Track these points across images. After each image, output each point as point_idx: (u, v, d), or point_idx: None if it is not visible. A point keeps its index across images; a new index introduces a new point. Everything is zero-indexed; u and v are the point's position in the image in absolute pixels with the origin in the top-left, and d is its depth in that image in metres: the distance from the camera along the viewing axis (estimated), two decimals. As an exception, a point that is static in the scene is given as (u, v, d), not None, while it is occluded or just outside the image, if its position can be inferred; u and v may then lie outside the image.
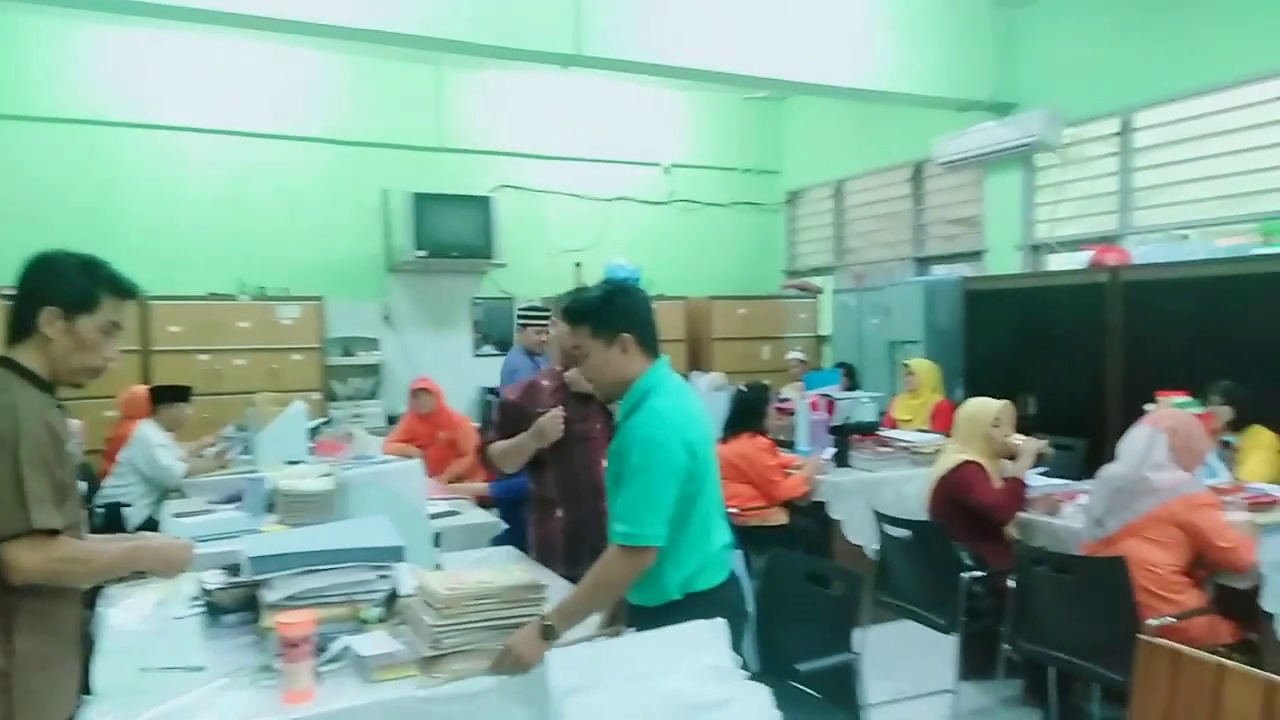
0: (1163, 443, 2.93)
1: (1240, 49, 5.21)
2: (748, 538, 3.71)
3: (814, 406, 4.91)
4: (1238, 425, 4.20)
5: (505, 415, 3.04)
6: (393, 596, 2.14)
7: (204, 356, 6.45)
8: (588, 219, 8.10)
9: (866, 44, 6.07)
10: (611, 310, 2.14)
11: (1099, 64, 5.99)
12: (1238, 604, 2.94)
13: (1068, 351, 5.51)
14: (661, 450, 1.99)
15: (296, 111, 7.15)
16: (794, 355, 7.23)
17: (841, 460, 4.64)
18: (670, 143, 8.46)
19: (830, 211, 8.60)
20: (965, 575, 3.30)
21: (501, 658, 1.87)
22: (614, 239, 7.99)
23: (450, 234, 7.19)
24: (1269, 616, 2.84)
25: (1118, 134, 6.02)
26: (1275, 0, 5.03)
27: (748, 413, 4.46)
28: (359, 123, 7.32)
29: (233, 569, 2.26)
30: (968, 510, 3.50)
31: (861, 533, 4.18)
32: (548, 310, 4.57)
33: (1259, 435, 4.17)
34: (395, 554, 2.18)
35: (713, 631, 1.26)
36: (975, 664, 3.62)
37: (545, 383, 3.01)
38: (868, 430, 4.95)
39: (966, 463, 3.51)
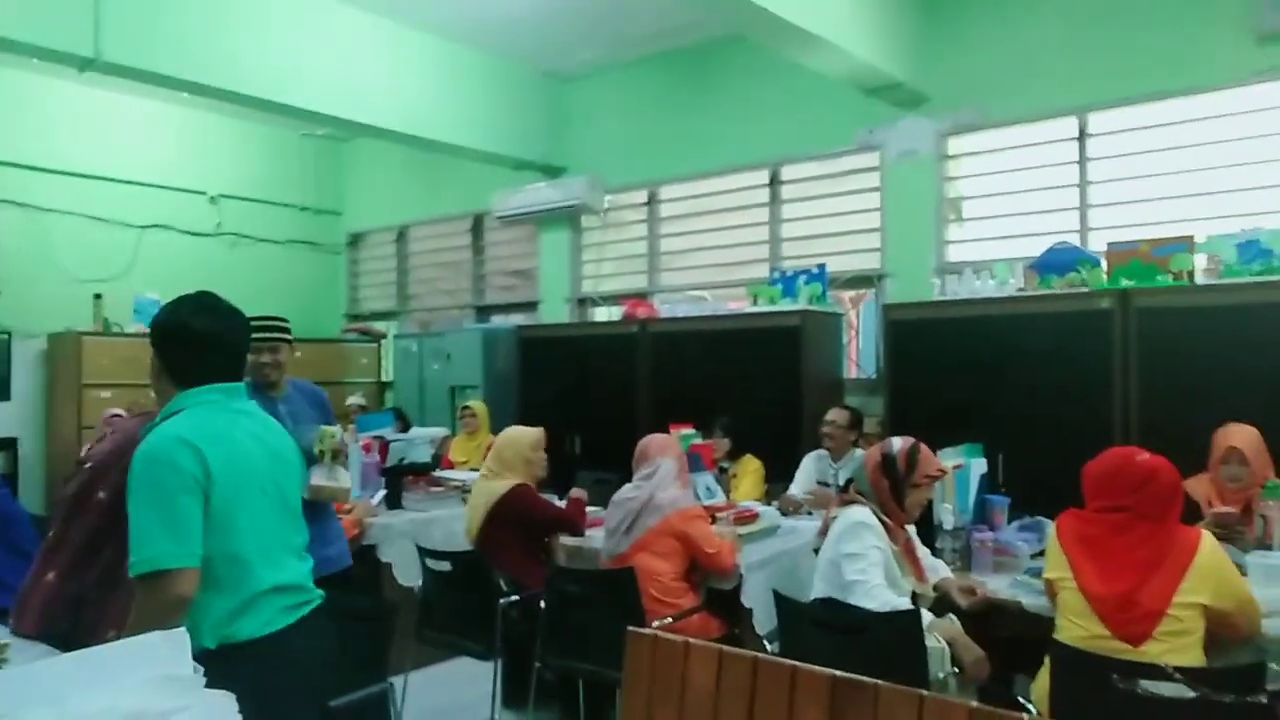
0: (662, 465, 3.35)
1: (736, 141, 6.27)
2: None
3: (366, 449, 4.80)
4: (735, 454, 4.96)
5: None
6: None
7: None
8: (114, 246, 7.16)
9: (427, 95, 6.24)
10: (155, 325, 2.05)
11: (633, 140, 6.80)
12: (725, 603, 3.44)
13: (608, 393, 6.08)
14: (157, 464, 1.82)
15: None
16: (354, 400, 7.03)
17: (393, 502, 4.59)
18: (219, 171, 7.85)
19: (393, 256, 8.61)
20: (503, 600, 3.43)
21: None
22: (147, 270, 7.15)
23: (-82, 251, 5.89)
24: (748, 611, 3.37)
25: (647, 203, 6.87)
26: (763, 105, 6.15)
27: (293, 456, 4.23)
28: None
29: None
30: (525, 530, 3.65)
31: (411, 574, 4.15)
32: (282, 323, 3.27)
33: (750, 463, 4.95)
34: None
35: (170, 642, 1.16)
36: (517, 691, 3.77)
37: None
38: (421, 471, 4.96)
39: (519, 485, 3.69)
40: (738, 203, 6.40)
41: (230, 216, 7.89)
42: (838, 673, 1.83)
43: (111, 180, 7.18)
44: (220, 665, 1.66)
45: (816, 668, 1.89)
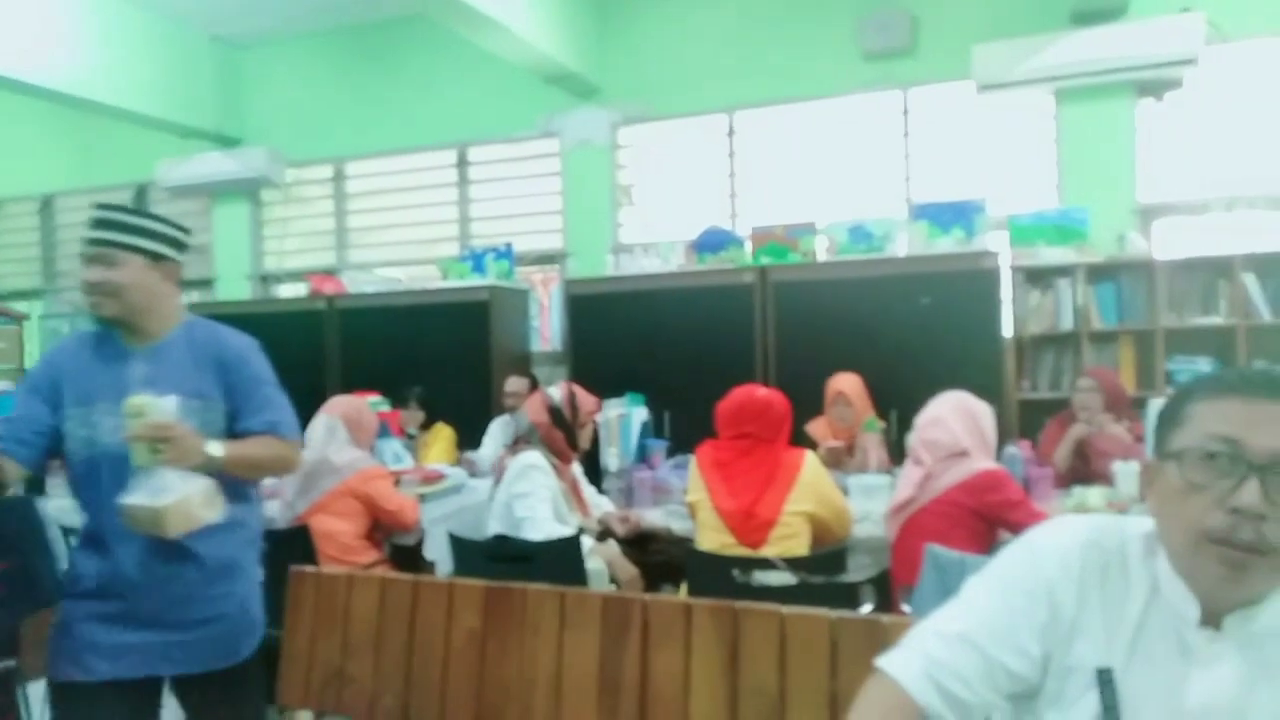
0: (340, 426, 3.39)
1: (424, 120, 6.31)
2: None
3: None
4: (427, 423, 5.06)
5: None
6: None
7: None
8: None
9: (77, 49, 5.63)
10: None
11: (316, 113, 6.60)
12: (408, 558, 3.55)
13: (295, 372, 5.83)
14: None
15: None
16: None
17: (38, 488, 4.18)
18: None
19: (37, 229, 7.65)
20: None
21: None
22: None
23: None
24: (431, 564, 3.50)
25: (333, 179, 6.71)
26: (450, 87, 6.24)
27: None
28: None
29: None
30: None
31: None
32: (124, 218, 1.99)
33: (441, 430, 5.07)
34: None
35: None
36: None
37: None
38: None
39: None
40: (427, 181, 6.46)
41: None
42: (490, 582, 2.03)
43: None
44: None
45: (471, 580, 2.08)
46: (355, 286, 6.07)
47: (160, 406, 1.83)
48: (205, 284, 7.04)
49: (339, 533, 3.25)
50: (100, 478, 1.90)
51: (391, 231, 6.65)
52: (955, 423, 2.86)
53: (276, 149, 6.53)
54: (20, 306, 7.41)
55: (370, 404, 4.24)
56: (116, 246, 1.94)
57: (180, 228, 2.08)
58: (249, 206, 6.85)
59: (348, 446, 3.37)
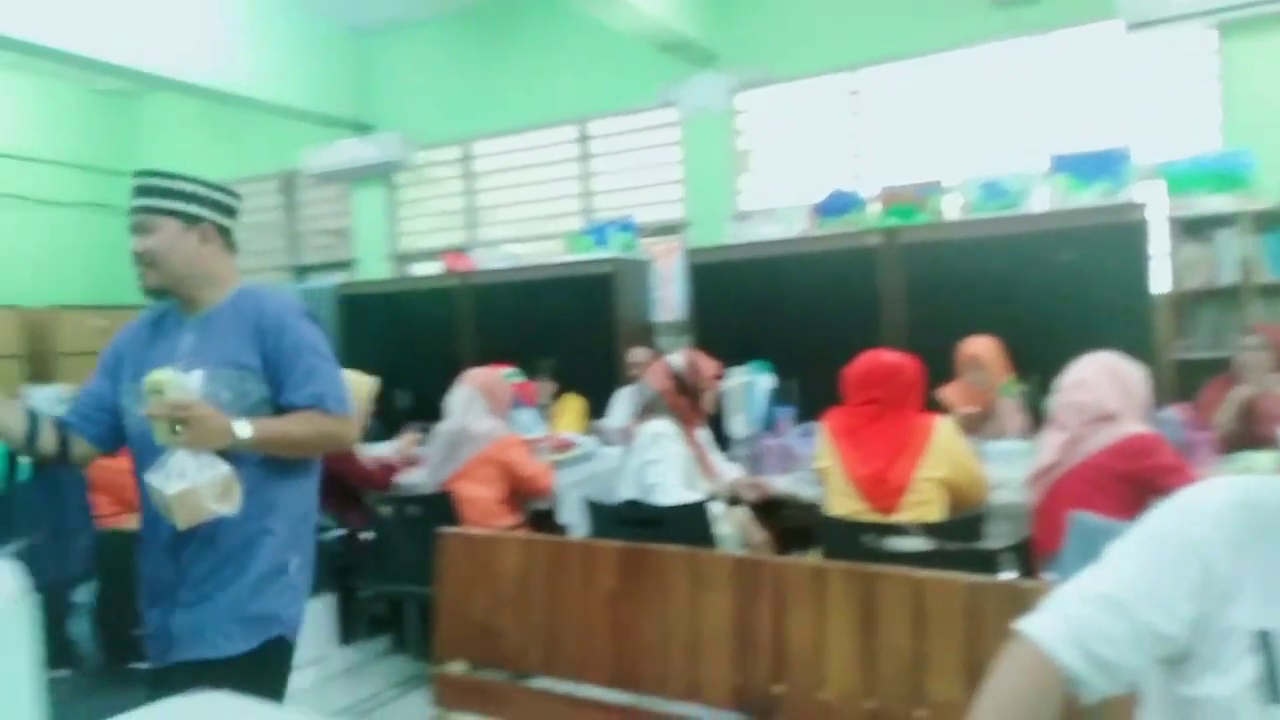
0: (478, 397, 3.54)
1: (545, 98, 6.43)
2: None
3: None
4: (558, 394, 5.22)
5: None
6: None
7: None
8: None
9: (227, 47, 6.01)
10: None
11: (444, 97, 6.83)
12: (546, 523, 3.69)
13: (432, 347, 6.16)
14: None
15: None
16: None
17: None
18: (-7, 128, 7.25)
19: (199, 219, 8.24)
20: (327, 535, 3.54)
21: None
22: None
23: None
24: (564, 528, 3.63)
25: (461, 160, 6.94)
26: (569, 63, 6.33)
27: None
28: None
29: None
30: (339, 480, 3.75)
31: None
32: (163, 181, 1.86)
33: (571, 401, 5.22)
34: None
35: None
36: (347, 626, 3.89)
37: None
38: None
39: None
40: (550, 158, 6.58)
41: (8, 176, 7.31)
42: (624, 543, 2.10)
43: None
44: None
45: (607, 541, 2.16)
46: (485, 263, 6.28)
47: (180, 383, 1.68)
48: (347, 265, 7.43)
49: (480, 499, 3.41)
50: (148, 455, 1.74)
51: (518, 208, 6.82)
52: (1101, 384, 2.73)
53: (408, 133, 6.79)
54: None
55: (505, 375, 4.42)
56: (151, 212, 1.84)
57: (222, 189, 1.93)
58: (384, 189, 7.16)
59: (485, 416, 3.52)
